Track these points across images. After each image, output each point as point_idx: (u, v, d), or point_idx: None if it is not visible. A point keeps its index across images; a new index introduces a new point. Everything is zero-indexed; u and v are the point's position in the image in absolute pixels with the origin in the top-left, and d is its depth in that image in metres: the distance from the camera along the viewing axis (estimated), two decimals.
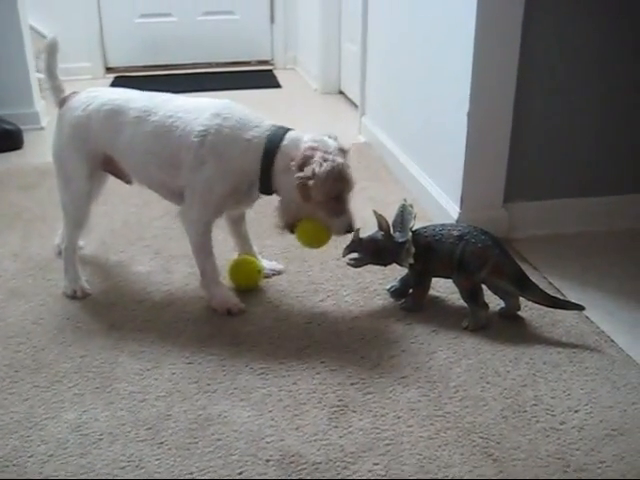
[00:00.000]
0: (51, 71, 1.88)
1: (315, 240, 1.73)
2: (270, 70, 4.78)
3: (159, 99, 1.79)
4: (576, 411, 1.42)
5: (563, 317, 1.74)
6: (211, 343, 1.66)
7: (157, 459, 1.30)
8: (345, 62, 3.95)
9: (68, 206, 1.88)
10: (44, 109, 3.53)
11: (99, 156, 1.84)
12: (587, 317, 1.74)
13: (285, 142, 1.68)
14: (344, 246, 1.76)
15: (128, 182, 1.92)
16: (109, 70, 4.70)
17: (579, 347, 1.64)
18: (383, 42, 2.86)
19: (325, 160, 1.61)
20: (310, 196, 1.62)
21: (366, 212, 1.93)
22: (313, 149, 1.64)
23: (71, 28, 4.45)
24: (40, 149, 3.15)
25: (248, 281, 1.90)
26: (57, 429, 1.38)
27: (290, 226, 1.72)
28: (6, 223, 2.32)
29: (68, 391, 1.49)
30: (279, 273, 1.98)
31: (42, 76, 1.91)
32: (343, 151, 1.70)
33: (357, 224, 1.71)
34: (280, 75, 4.62)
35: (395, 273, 1.88)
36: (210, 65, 4.80)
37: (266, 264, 1.97)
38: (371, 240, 1.74)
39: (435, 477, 1.26)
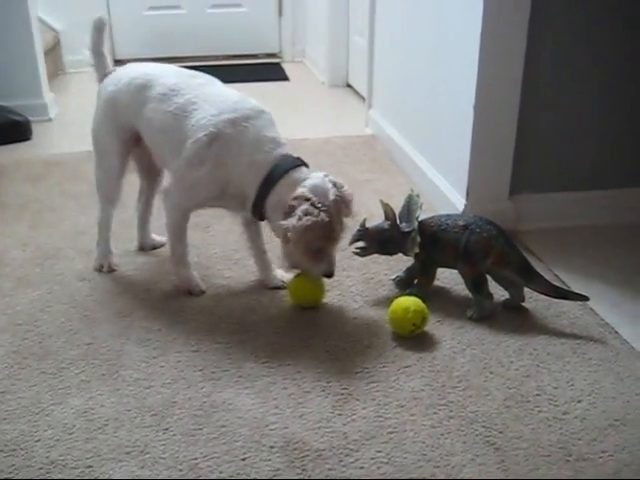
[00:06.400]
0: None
1: (303, 298, 1.76)
2: (278, 63, 4.78)
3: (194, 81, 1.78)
4: (579, 401, 1.43)
5: (567, 309, 1.74)
6: (217, 332, 1.67)
7: (162, 445, 1.32)
8: (353, 55, 3.94)
9: (101, 182, 1.92)
10: (52, 101, 3.54)
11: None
12: (592, 309, 1.74)
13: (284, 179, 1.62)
14: (351, 235, 1.77)
15: None
16: (117, 62, 4.69)
17: (583, 338, 1.64)
18: (391, 35, 2.86)
19: (307, 214, 1.54)
20: (289, 242, 1.58)
21: (372, 204, 1.94)
22: (301, 199, 1.56)
23: (80, 20, 4.41)
24: (48, 140, 3.17)
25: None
26: (63, 414, 1.40)
27: (292, 267, 1.69)
28: (14, 213, 2.34)
29: (75, 377, 1.51)
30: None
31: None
32: (339, 202, 1.60)
33: (363, 215, 1.71)
34: (288, 68, 4.61)
35: (400, 264, 1.89)
36: (218, 58, 4.80)
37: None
38: (377, 229, 1.75)
39: (437, 465, 1.27)
